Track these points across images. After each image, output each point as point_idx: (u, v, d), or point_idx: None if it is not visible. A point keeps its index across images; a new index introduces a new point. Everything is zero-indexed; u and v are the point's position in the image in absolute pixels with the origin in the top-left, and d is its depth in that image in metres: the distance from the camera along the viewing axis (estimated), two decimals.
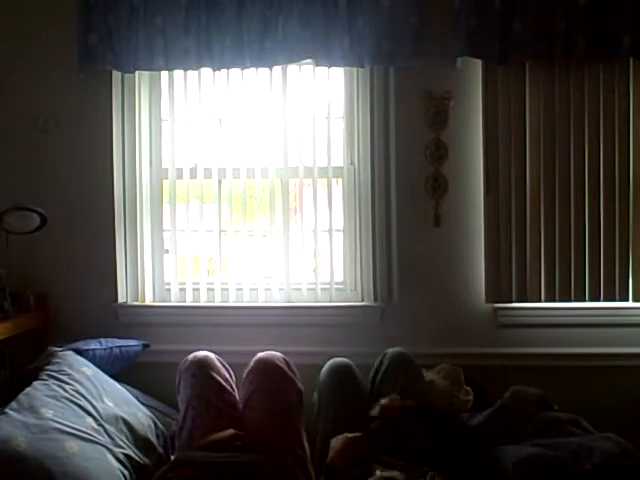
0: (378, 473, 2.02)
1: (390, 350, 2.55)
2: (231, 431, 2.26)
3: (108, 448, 2.17)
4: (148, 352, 2.78)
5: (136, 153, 3.00)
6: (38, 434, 2.04)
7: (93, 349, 2.58)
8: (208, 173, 3.00)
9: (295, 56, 2.80)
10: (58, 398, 2.23)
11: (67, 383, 2.32)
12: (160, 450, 2.43)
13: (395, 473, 2.02)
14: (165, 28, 2.80)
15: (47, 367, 2.38)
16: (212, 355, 2.50)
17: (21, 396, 2.19)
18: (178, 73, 2.96)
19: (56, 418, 2.13)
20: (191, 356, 2.49)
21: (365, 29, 2.75)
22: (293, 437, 2.35)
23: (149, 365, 2.75)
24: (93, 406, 2.28)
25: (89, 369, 2.45)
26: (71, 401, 2.25)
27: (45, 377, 2.33)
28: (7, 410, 2.10)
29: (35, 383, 2.28)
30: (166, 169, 3.04)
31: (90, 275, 2.94)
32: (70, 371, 2.38)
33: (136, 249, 3.02)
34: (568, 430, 2.34)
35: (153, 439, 2.41)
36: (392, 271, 2.92)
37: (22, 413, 2.11)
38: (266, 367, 2.43)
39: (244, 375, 2.46)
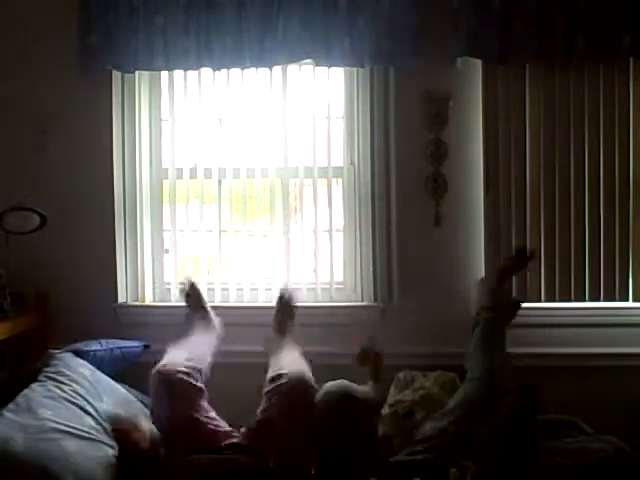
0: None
1: None
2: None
3: (109, 445, 2.17)
4: (148, 352, 2.78)
5: (136, 153, 3.00)
6: (35, 434, 2.04)
7: (94, 350, 2.58)
8: (208, 173, 3.00)
9: (295, 56, 2.80)
10: (56, 399, 2.23)
11: (65, 384, 2.32)
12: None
13: None
14: (165, 28, 2.80)
15: (45, 369, 2.38)
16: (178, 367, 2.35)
17: (19, 398, 2.19)
18: (178, 73, 2.96)
19: (54, 418, 2.12)
20: (155, 371, 2.33)
21: (365, 29, 2.75)
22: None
23: (149, 365, 2.71)
24: (92, 406, 2.28)
25: (88, 370, 2.45)
26: (69, 401, 2.25)
27: (43, 379, 2.33)
28: (4, 412, 2.11)
29: (33, 385, 2.28)
30: (166, 169, 3.04)
31: (90, 275, 2.94)
32: (68, 372, 2.38)
33: (136, 249, 3.02)
34: (566, 433, 2.34)
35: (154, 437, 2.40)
36: (392, 271, 2.92)
37: (19, 414, 2.11)
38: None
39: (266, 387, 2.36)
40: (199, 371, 2.37)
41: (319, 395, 2.26)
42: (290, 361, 2.42)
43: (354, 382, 2.31)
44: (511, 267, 2.69)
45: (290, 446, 2.20)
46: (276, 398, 2.29)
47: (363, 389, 2.30)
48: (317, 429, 2.22)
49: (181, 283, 2.81)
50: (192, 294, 2.76)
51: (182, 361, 2.36)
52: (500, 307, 2.56)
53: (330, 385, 2.28)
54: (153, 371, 2.33)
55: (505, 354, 2.48)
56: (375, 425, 2.33)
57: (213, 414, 2.33)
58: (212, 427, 2.28)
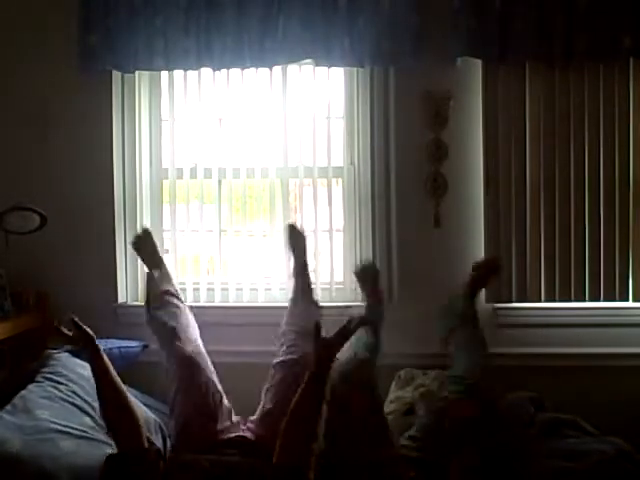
0: None
1: None
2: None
3: (108, 444, 2.17)
4: (148, 352, 2.78)
5: (136, 153, 3.01)
6: (33, 435, 2.04)
7: None
8: (208, 173, 3.00)
9: (295, 56, 2.80)
10: (53, 399, 2.23)
11: (62, 384, 2.32)
12: (159, 446, 2.42)
13: None
14: (165, 28, 2.80)
15: (42, 369, 2.38)
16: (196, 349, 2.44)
17: (16, 399, 2.19)
18: (178, 73, 2.96)
19: (51, 418, 2.13)
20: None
21: (365, 29, 2.75)
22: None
23: (148, 365, 2.73)
24: (90, 405, 2.28)
25: (85, 369, 2.44)
26: (67, 401, 2.25)
27: (40, 379, 2.33)
28: (1, 414, 2.10)
29: (30, 386, 2.28)
30: (166, 169, 3.04)
31: (90, 275, 2.94)
32: (65, 372, 2.38)
33: None
34: (567, 432, 2.34)
35: (152, 436, 2.40)
36: (392, 271, 2.92)
37: (17, 416, 2.11)
38: None
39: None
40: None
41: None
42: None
43: None
44: (483, 279, 2.66)
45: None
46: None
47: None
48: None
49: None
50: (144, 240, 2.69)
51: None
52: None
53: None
54: (176, 347, 2.38)
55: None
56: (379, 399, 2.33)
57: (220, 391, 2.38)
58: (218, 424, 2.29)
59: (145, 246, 2.69)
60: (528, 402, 2.48)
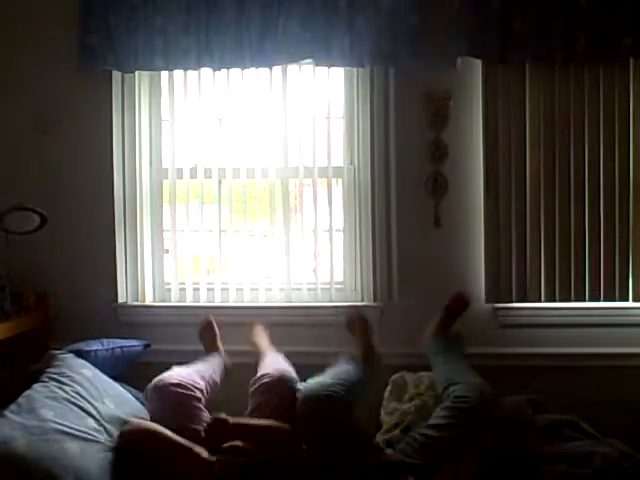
0: None
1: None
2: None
3: (110, 447, 2.17)
4: (148, 352, 2.79)
5: (136, 153, 3.00)
6: (38, 435, 2.03)
7: (95, 350, 2.58)
8: (208, 173, 3.00)
9: (295, 56, 2.81)
10: (58, 400, 2.23)
11: (67, 385, 2.31)
12: None
13: None
14: (165, 28, 2.80)
15: (47, 369, 2.38)
16: (177, 377, 2.40)
17: (21, 398, 2.18)
18: (178, 73, 2.96)
19: (56, 419, 2.12)
20: (154, 382, 2.40)
21: (365, 29, 2.75)
22: None
23: (149, 365, 2.73)
24: (94, 407, 2.27)
25: (89, 370, 2.45)
26: (71, 402, 2.24)
27: (45, 379, 2.32)
28: (6, 412, 2.10)
29: (35, 385, 2.28)
30: (166, 169, 3.05)
31: (90, 275, 2.94)
32: (70, 373, 2.37)
33: (136, 249, 3.02)
34: (567, 434, 2.34)
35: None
36: (392, 271, 2.92)
37: (21, 415, 2.10)
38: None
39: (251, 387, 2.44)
40: (194, 381, 2.41)
41: (299, 395, 2.31)
42: (270, 363, 2.51)
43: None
44: (455, 311, 2.69)
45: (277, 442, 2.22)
46: (262, 397, 2.36)
47: (335, 384, 2.29)
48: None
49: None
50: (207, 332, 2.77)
51: (176, 374, 2.41)
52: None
53: (306, 386, 2.33)
54: (149, 386, 2.38)
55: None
56: (350, 422, 2.28)
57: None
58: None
59: (207, 335, 2.76)
60: (526, 404, 2.47)
